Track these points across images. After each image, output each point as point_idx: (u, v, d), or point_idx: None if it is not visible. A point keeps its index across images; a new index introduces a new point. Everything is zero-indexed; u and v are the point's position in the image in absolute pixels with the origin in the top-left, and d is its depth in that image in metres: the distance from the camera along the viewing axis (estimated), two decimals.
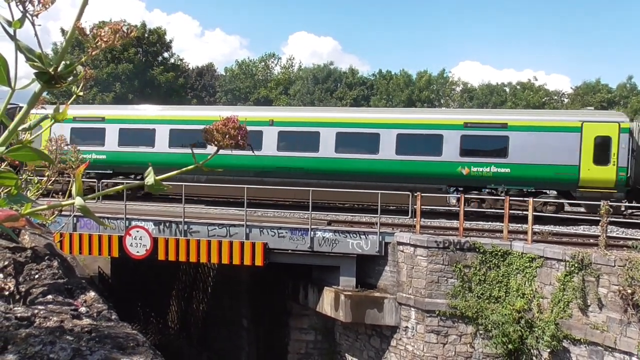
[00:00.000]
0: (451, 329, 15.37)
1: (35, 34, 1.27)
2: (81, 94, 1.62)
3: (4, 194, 1.57)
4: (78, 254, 17.48)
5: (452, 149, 19.68)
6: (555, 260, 13.92)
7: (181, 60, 63.15)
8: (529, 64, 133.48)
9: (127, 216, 17.65)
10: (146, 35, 53.20)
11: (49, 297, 1.90)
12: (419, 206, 16.27)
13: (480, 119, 20.20)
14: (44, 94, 1.44)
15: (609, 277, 12.83)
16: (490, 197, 19.29)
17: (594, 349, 13.00)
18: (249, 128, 1.54)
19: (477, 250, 15.15)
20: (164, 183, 1.51)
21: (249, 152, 20.85)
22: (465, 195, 17.87)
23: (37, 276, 2.03)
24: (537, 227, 15.99)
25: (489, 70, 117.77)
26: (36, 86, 1.35)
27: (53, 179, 3.29)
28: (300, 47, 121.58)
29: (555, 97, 69.05)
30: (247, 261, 16.76)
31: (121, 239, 16.67)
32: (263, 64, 79.33)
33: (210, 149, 1.35)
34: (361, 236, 16.64)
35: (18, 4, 1.23)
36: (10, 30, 1.25)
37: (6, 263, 2.04)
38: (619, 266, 12.68)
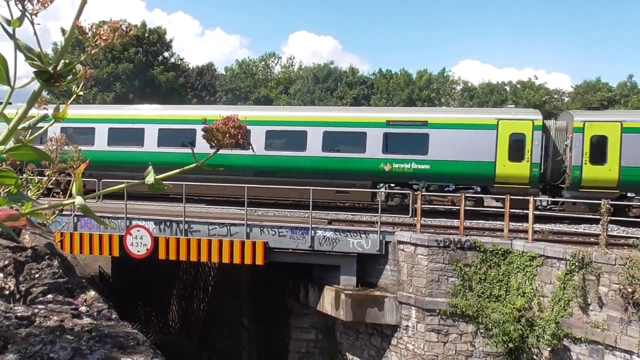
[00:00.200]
0: (452, 328, 15.37)
1: (35, 33, 1.27)
2: (81, 93, 1.62)
3: (4, 193, 1.57)
4: (79, 253, 17.51)
5: (376, 147, 20.29)
6: (556, 259, 13.92)
7: (181, 59, 63.17)
8: (530, 62, 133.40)
9: (128, 215, 17.66)
10: (146, 34, 53.18)
11: (49, 296, 1.90)
12: (419, 205, 16.28)
13: (402, 117, 20.82)
14: (44, 93, 1.43)
15: (609, 275, 12.83)
16: (410, 192, 19.75)
17: (594, 347, 13.01)
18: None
19: (478, 249, 15.15)
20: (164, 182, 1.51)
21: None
22: (388, 191, 18.77)
23: (37, 275, 2.03)
24: (537, 226, 16.00)
25: (489, 69, 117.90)
26: (35, 85, 1.35)
27: (54, 178, 3.29)
28: (300, 46, 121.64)
29: (556, 96, 69.01)
30: (247, 260, 16.77)
31: (122, 239, 16.69)
32: (263, 63, 79.30)
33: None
34: (362, 235, 16.64)
35: (17, 2, 1.23)
36: (10, 29, 1.24)
37: (6, 262, 2.04)
38: (619, 265, 12.68)
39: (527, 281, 14.46)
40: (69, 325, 1.58)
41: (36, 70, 1.28)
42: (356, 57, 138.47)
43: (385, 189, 21.15)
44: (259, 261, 16.72)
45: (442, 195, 19.95)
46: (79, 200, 1.40)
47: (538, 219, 16.38)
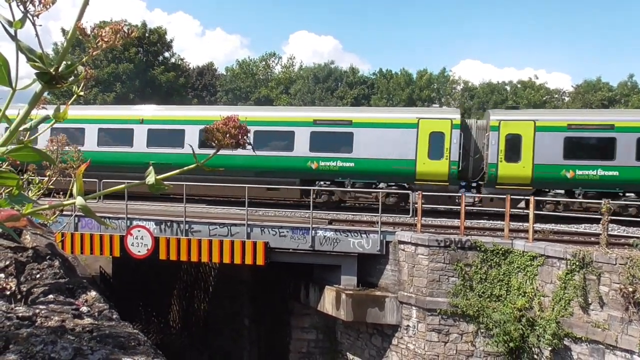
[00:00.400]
0: (452, 328, 15.37)
1: (36, 34, 1.28)
2: (82, 93, 1.63)
3: (6, 194, 1.57)
4: (79, 253, 17.51)
5: (303, 145, 21.00)
6: (557, 259, 13.91)
7: (182, 59, 63.20)
8: (530, 62, 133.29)
9: (129, 216, 17.66)
10: (147, 35, 53.20)
11: (50, 296, 1.91)
12: (420, 205, 16.28)
13: (328, 116, 21.52)
14: (45, 94, 1.44)
15: (610, 275, 12.82)
16: (339, 189, 20.87)
17: (595, 347, 13.00)
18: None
19: (478, 248, 15.15)
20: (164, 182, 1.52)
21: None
22: (317, 188, 19.26)
23: (38, 276, 2.03)
24: (538, 226, 16.00)
25: (489, 68, 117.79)
26: (37, 86, 1.36)
27: (54, 178, 3.30)
28: (301, 46, 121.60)
29: (556, 96, 69.03)
30: (248, 260, 16.77)
31: (122, 239, 16.69)
32: (264, 63, 79.31)
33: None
34: (362, 235, 16.65)
35: (19, 4, 1.23)
36: (11, 31, 1.25)
37: (7, 263, 2.05)
38: (620, 264, 12.67)
39: (527, 281, 14.46)
40: (70, 326, 1.59)
41: (38, 71, 1.29)
42: (356, 57, 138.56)
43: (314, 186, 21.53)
44: (260, 261, 16.72)
45: (367, 192, 20.90)
46: (79, 200, 1.41)
47: (539, 219, 16.37)
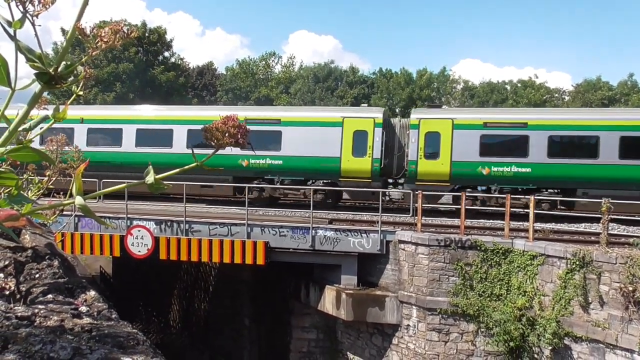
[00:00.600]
0: (453, 327, 15.37)
1: (36, 35, 1.28)
2: (81, 93, 1.63)
3: (5, 194, 1.57)
4: (79, 253, 17.51)
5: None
6: (557, 258, 13.91)
7: (182, 59, 63.19)
8: (530, 61, 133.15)
9: (129, 216, 17.67)
10: (147, 34, 53.20)
11: (50, 296, 1.91)
12: (420, 204, 16.29)
13: (258, 115, 22.19)
14: (44, 94, 1.44)
15: (610, 274, 12.82)
16: (269, 186, 21.44)
17: (595, 346, 13.00)
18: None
19: (479, 248, 15.15)
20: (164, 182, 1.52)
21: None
22: (248, 185, 19.56)
23: (37, 276, 2.03)
24: (538, 225, 15.99)
25: (490, 68, 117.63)
26: (36, 86, 1.36)
27: (54, 178, 3.30)
28: (301, 45, 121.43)
29: (557, 95, 69.02)
30: (248, 260, 16.77)
31: (122, 239, 16.69)
32: (264, 62, 79.27)
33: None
34: (362, 235, 16.65)
35: (18, 4, 1.23)
36: (11, 31, 1.25)
37: (7, 263, 2.05)
38: (620, 263, 12.66)
39: (528, 280, 14.46)
40: (69, 325, 1.59)
41: (37, 72, 1.29)
42: (356, 56, 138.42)
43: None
44: (260, 261, 16.72)
45: (296, 188, 21.40)
46: (79, 200, 1.41)
47: (539, 218, 16.36)
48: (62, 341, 1.44)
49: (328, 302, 16.91)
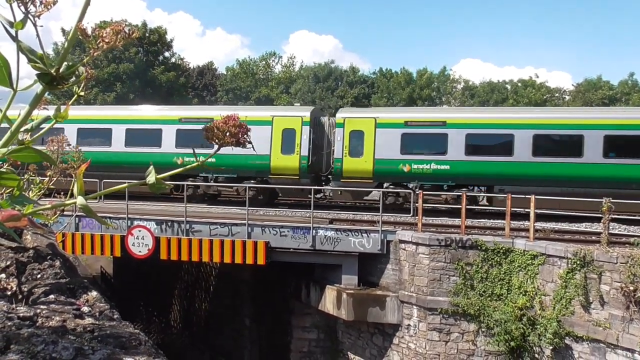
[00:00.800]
0: (453, 327, 15.36)
1: (37, 35, 1.28)
2: (82, 94, 1.63)
3: (7, 194, 1.57)
4: (80, 253, 17.50)
5: (170, 142, 22.27)
6: (557, 258, 13.90)
7: (182, 59, 63.18)
8: (530, 61, 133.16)
9: (129, 216, 17.67)
10: (147, 34, 53.20)
11: (51, 296, 1.91)
12: (421, 204, 16.28)
13: (192, 115, 22.93)
14: (45, 94, 1.44)
15: (611, 274, 12.81)
16: (203, 183, 22.08)
17: (596, 346, 13.00)
18: None
19: (479, 247, 15.14)
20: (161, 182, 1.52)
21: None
22: (184, 182, 20.10)
23: (39, 276, 2.03)
24: (539, 225, 15.99)
25: (490, 67, 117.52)
26: (38, 87, 1.36)
27: (55, 178, 3.30)
28: (301, 45, 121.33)
29: (557, 95, 68.98)
30: (249, 260, 16.77)
31: (123, 239, 16.70)
32: (264, 62, 79.25)
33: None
34: (363, 234, 16.65)
35: (20, 4, 1.23)
36: (12, 31, 1.25)
37: (8, 263, 2.05)
38: (621, 263, 12.66)
39: (528, 280, 14.45)
40: (71, 326, 1.59)
41: (39, 72, 1.29)
42: (357, 56, 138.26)
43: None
44: (261, 261, 16.72)
45: (229, 186, 22.29)
46: (80, 200, 1.41)
47: (539, 218, 16.36)
48: (64, 341, 1.44)
49: (329, 302, 16.91)
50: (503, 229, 16.01)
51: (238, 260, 16.84)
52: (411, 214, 17.38)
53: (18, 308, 1.70)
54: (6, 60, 1.27)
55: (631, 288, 12.27)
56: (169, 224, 17.77)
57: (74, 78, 1.36)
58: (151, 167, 1.54)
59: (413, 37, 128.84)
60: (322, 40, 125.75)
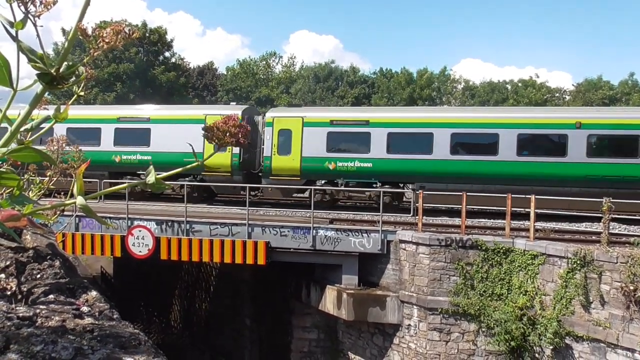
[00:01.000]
0: (454, 327, 15.37)
1: (38, 35, 1.28)
2: (82, 94, 1.63)
3: (7, 194, 1.57)
4: (80, 253, 17.51)
5: (109, 140, 23.00)
6: (558, 257, 13.90)
7: (182, 59, 63.18)
8: (531, 61, 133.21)
9: (129, 216, 17.68)
10: (147, 34, 53.21)
11: (51, 296, 1.91)
12: (421, 204, 16.28)
13: (129, 114, 23.64)
14: (45, 94, 1.44)
15: (611, 273, 12.81)
16: (131, 181, 22.06)
17: (596, 345, 13.00)
18: None
19: (479, 247, 15.14)
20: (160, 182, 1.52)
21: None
22: (126, 181, 20.08)
23: (39, 276, 2.03)
24: (539, 224, 15.98)
25: (490, 67, 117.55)
26: (38, 87, 1.36)
27: (55, 178, 3.30)
28: (301, 45, 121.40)
29: (557, 94, 68.99)
30: (249, 260, 16.78)
31: (123, 239, 16.70)
32: (264, 62, 79.27)
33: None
34: (363, 234, 16.65)
35: (20, 4, 1.23)
36: (12, 31, 1.25)
37: (8, 263, 2.05)
38: (621, 263, 12.66)
39: (528, 280, 14.45)
40: (70, 326, 1.59)
41: (39, 72, 1.29)
42: (357, 56, 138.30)
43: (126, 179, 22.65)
44: (261, 261, 16.73)
45: (170, 183, 22.15)
46: (80, 200, 1.41)
47: (540, 217, 16.36)
48: (63, 341, 1.44)
49: (329, 302, 16.91)
50: (503, 228, 16.02)
51: (238, 260, 16.84)
52: (411, 214, 17.38)
53: (17, 308, 1.69)
54: (6, 60, 1.27)
55: (631, 288, 12.27)
56: (169, 224, 17.78)
57: (74, 78, 1.36)
58: (151, 167, 1.53)
59: (413, 37, 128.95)
60: (322, 40, 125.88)
